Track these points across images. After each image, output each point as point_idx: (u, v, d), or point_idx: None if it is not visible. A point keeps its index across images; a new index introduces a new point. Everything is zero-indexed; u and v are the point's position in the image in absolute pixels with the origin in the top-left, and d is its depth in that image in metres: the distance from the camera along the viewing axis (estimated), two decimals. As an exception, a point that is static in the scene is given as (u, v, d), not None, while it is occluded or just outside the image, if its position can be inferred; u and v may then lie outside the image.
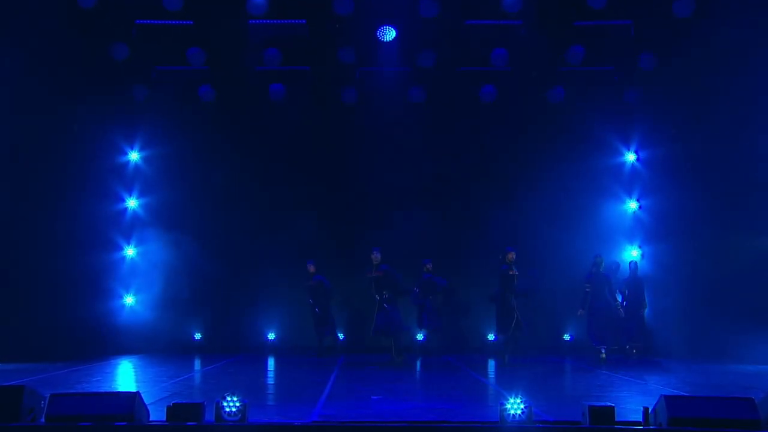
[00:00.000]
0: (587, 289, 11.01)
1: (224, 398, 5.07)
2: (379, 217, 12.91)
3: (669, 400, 4.95)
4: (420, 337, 12.59)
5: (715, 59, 10.74)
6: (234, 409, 5.06)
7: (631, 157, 13.11)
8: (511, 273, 10.37)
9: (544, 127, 12.96)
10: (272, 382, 8.86)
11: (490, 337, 12.75)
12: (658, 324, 12.36)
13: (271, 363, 11.10)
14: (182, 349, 12.59)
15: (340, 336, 12.83)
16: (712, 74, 10.81)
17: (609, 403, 5.14)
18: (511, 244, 10.77)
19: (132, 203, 13.08)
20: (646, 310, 12.00)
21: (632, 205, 13.10)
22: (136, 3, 11.27)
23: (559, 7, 11.51)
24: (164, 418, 5.09)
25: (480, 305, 12.66)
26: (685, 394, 6.96)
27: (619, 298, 11.57)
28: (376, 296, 10.46)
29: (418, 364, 10.88)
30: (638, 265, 12.21)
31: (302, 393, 7.46)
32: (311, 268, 12.01)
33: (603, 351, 10.84)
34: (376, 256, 10.48)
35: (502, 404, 5.06)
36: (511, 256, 10.41)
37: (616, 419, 5.02)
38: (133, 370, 9.95)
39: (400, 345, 10.65)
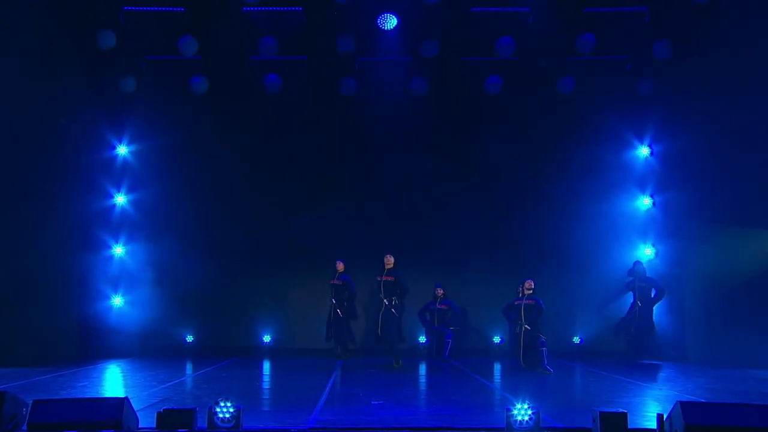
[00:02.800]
0: None
1: (217, 403, 5.07)
2: (380, 214, 12.89)
3: (685, 406, 4.92)
4: (422, 339, 12.58)
5: (734, 47, 10.69)
6: (227, 415, 5.05)
7: (644, 150, 13.07)
8: (516, 303, 10.71)
9: (553, 120, 12.92)
10: (267, 387, 8.85)
11: (496, 339, 12.75)
12: (673, 326, 12.34)
13: (266, 366, 11.09)
14: (173, 352, 12.57)
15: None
16: (730, 63, 10.77)
17: (621, 409, 5.12)
18: (529, 274, 10.99)
19: (120, 199, 13.05)
20: None
21: (645, 201, 13.07)
22: (124, -12, 11.29)
23: (568, -7, 11.49)
24: (154, 425, 5.08)
25: (485, 306, 12.65)
26: (701, 400, 6.94)
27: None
28: (385, 300, 10.57)
29: (421, 367, 10.88)
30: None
31: (299, 398, 7.44)
32: (340, 266, 11.98)
33: None
34: (389, 259, 10.63)
35: (509, 410, 5.06)
36: (528, 285, 10.65)
37: (628, 426, 5.00)
38: (121, 374, 9.94)
39: (398, 349, 10.65)
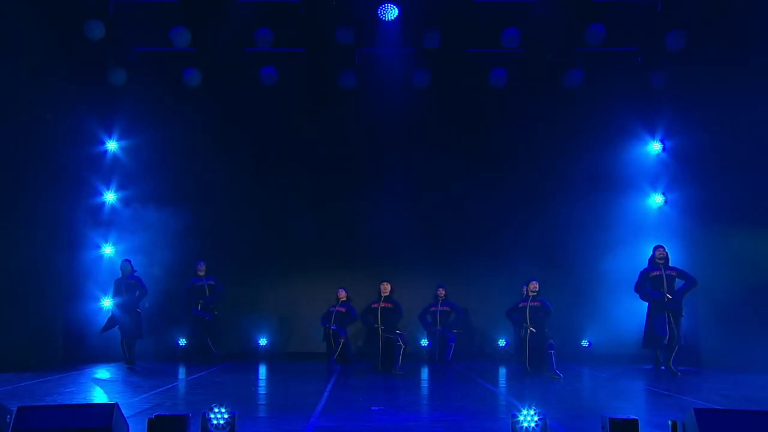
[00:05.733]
0: None
1: (211, 410, 5.07)
2: (380, 211, 12.87)
3: (700, 413, 4.89)
4: (424, 342, 12.58)
5: (750, 38, 10.64)
6: (222, 422, 5.05)
7: (656, 146, 13.05)
8: (521, 305, 10.80)
9: (560, 115, 12.91)
10: (263, 392, 8.85)
11: (501, 342, 12.74)
12: (687, 330, 12.30)
13: (262, 371, 11.10)
14: (165, 356, 12.56)
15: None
16: (746, 55, 10.72)
17: (632, 416, 5.11)
18: (533, 272, 11.13)
19: (110, 197, 13.05)
20: None
21: (657, 199, 13.05)
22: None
23: (577, -17, 11.48)
24: (145, 432, 5.08)
25: (489, 308, 12.64)
26: (718, 407, 6.93)
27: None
28: (380, 326, 10.83)
29: (423, 371, 10.87)
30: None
31: (296, 403, 7.46)
32: (342, 294, 12.27)
33: None
34: (385, 286, 10.99)
35: (514, 416, 5.05)
36: (533, 286, 10.72)
37: (640, 433, 4.99)
38: (110, 379, 9.93)
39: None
